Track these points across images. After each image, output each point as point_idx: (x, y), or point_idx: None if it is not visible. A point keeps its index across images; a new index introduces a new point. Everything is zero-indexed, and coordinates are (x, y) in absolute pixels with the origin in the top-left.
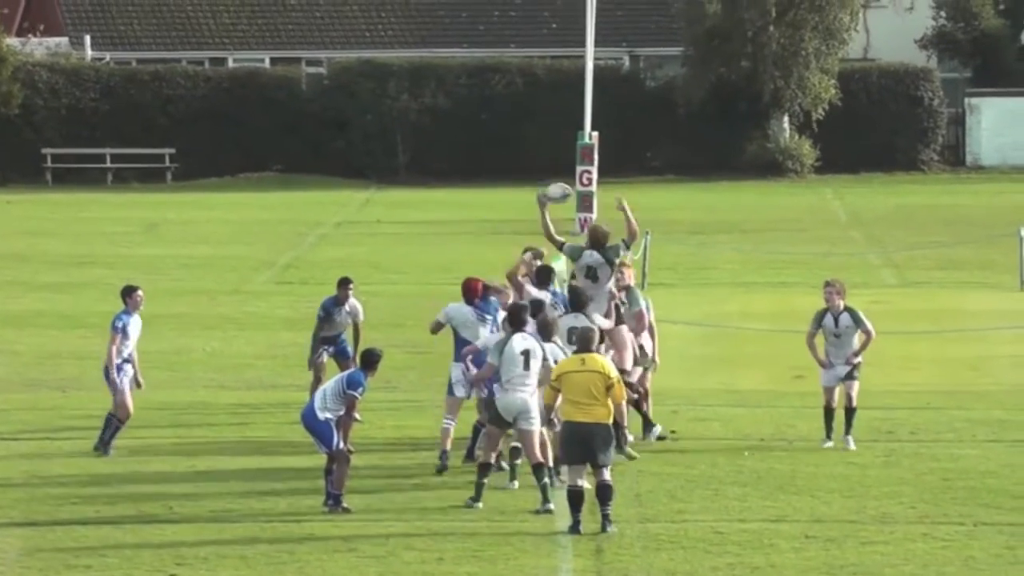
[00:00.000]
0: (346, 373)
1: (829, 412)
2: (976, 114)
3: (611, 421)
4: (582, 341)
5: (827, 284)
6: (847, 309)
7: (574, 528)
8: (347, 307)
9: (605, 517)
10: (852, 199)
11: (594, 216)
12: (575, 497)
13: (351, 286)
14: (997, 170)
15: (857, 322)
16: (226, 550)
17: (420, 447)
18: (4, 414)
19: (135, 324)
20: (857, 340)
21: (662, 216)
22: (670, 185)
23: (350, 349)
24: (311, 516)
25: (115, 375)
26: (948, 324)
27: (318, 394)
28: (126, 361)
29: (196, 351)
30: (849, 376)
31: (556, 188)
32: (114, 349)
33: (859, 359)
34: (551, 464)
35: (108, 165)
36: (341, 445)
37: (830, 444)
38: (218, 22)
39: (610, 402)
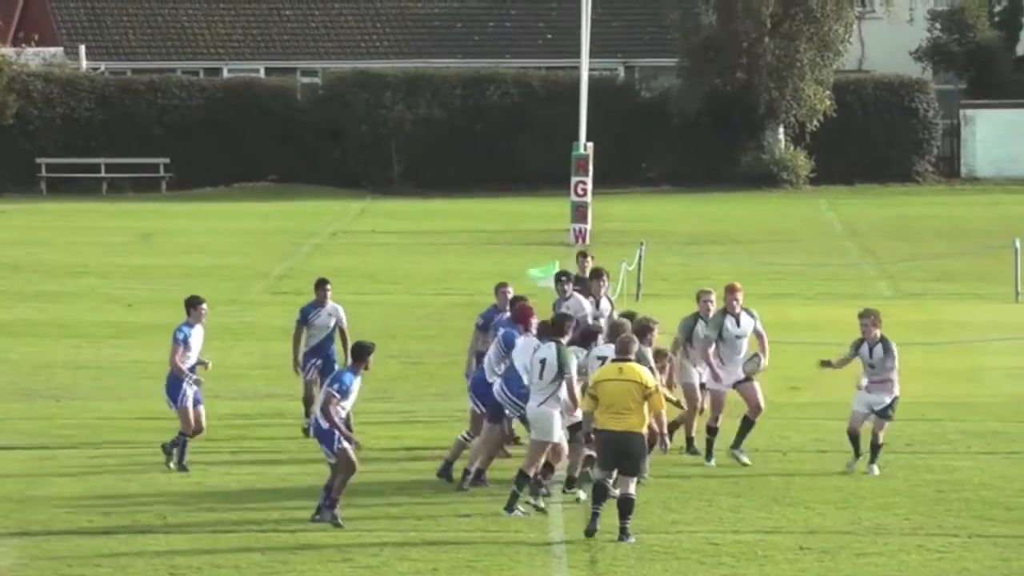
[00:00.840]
0: (332, 376)
1: (854, 437)
2: (971, 125)
3: (645, 430)
4: (621, 347)
5: (862, 315)
6: (882, 339)
7: (590, 529)
8: (327, 309)
9: (623, 531)
10: (847, 210)
11: (588, 227)
12: (600, 490)
13: (328, 287)
14: (992, 181)
15: (886, 352)
16: (220, 559)
17: (415, 457)
18: None
19: (197, 335)
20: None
21: (656, 227)
22: (665, 196)
23: (337, 366)
24: (305, 525)
25: (186, 385)
26: (943, 335)
27: (319, 403)
28: (190, 370)
29: None
30: (883, 415)
31: (749, 365)
32: (178, 359)
33: (895, 391)
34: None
35: (103, 175)
36: (343, 444)
37: (856, 464)
38: (213, 32)
39: (647, 411)
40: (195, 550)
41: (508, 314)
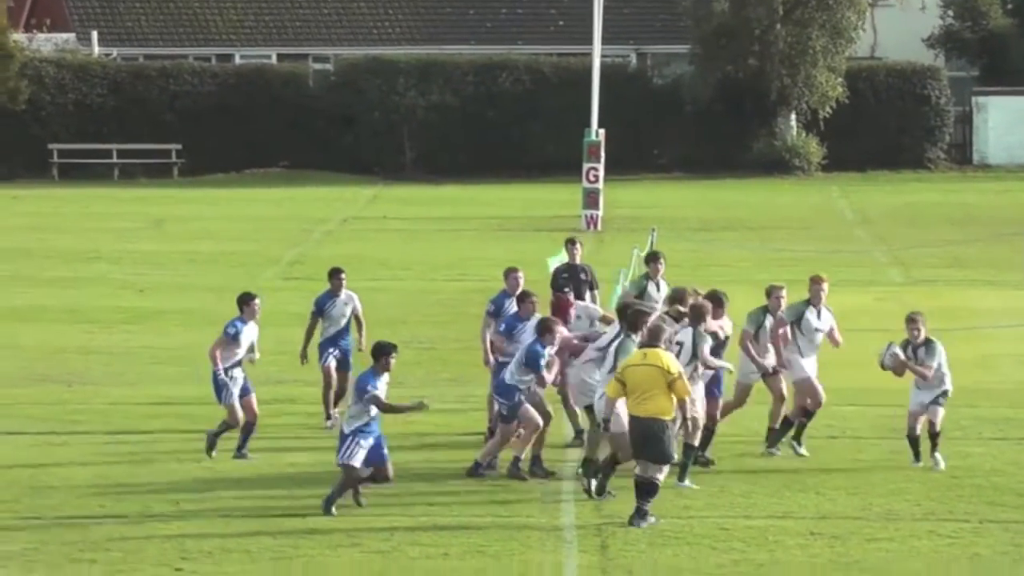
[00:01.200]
0: (356, 382)
1: (913, 440)
2: (983, 113)
3: (671, 416)
4: (650, 334)
5: (908, 321)
6: (926, 341)
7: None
8: (343, 297)
9: (637, 512)
10: (858, 197)
11: (600, 213)
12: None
13: (343, 275)
14: (1004, 168)
15: (928, 353)
16: (231, 544)
17: (426, 443)
18: (10, 408)
19: (248, 332)
20: (945, 365)
21: (669, 213)
22: (677, 183)
23: (351, 359)
24: (316, 511)
25: (224, 378)
26: (955, 322)
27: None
28: (236, 366)
29: (202, 347)
30: (935, 402)
31: (889, 358)
32: (218, 353)
33: (947, 385)
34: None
35: (115, 161)
36: (347, 460)
37: (919, 464)
38: (225, 18)
39: (674, 398)
40: (206, 534)
41: (515, 301)
